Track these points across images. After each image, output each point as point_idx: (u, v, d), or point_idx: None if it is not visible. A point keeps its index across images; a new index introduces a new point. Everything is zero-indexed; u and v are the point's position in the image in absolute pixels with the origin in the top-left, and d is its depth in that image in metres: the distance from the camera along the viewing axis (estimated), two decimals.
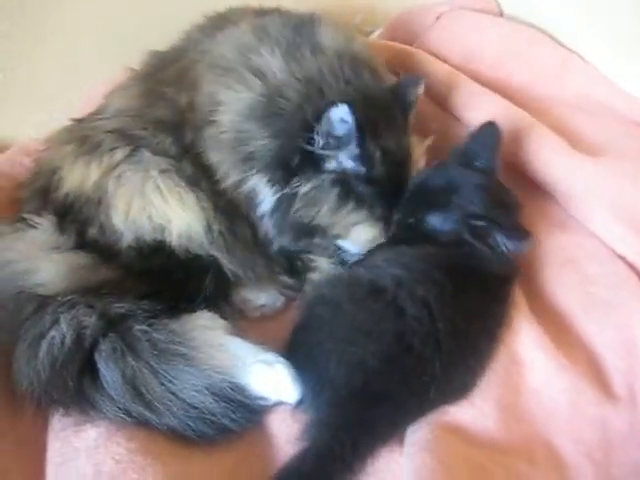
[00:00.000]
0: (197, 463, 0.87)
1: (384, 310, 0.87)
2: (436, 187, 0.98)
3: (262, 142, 1.00)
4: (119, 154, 1.04)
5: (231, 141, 1.02)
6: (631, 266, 1.02)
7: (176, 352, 0.90)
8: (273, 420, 0.91)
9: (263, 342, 0.94)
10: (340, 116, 0.94)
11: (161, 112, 1.07)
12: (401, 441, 0.86)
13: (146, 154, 1.04)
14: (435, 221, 0.96)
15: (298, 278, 1.12)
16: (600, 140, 1.16)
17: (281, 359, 0.92)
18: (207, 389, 0.88)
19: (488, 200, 0.96)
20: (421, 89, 1.09)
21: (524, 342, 0.94)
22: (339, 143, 0.97)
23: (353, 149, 0.97)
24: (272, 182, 1.01)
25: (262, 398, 0.91)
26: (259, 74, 1.03)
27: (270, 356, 0.92)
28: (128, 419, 0.87)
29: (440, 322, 0.86)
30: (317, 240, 1.05)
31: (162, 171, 1.03)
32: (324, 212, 1.01)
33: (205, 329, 0.96)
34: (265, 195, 1.02)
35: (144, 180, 1.03)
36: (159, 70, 1.13)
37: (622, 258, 1.03)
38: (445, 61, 1.36)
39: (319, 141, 0.97)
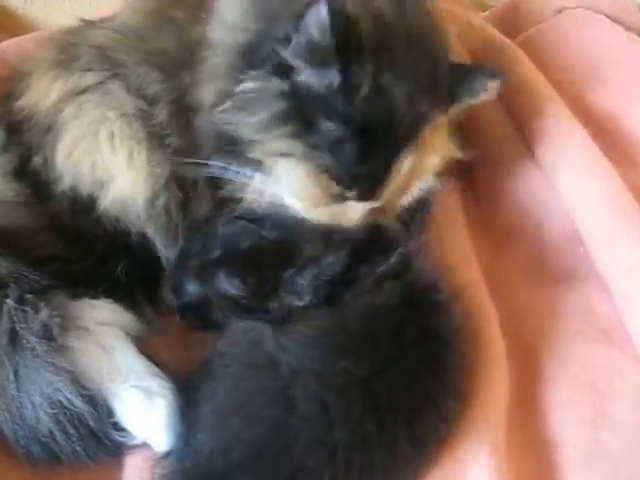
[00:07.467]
0: None
1: (273, 394, 0.64)
2: None
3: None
4: (90, 78, 0.85)
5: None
6: None
7: (39, 343, 0.71)
8: (127, 464, 0.72)
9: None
10: (318, 20, 0.67)
11: (163, 41, 0.85)
12: None
13: (117, 87, 0.84)
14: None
15: None
16: None
17: (167, 394, 0.72)
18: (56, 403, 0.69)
19: None
20: (494, 89, 0.78)
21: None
22: (312, 56, 0.70)
23: (329, 69, 0.70)
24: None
25: (125, 433, 0.72)
26: None
27: (156, 385, 0.73)
28: None
29: (339, 430, 0.62)
30: (234, 161, 0.79)
31: (123, 114, 0.83)
32: (250, 122, 0.75)
33: (99, 324, 0.77)
34: None
35: (100, 120, 0.83)
36: None
37: None
38: (547, 67, 1.03)
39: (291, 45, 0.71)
